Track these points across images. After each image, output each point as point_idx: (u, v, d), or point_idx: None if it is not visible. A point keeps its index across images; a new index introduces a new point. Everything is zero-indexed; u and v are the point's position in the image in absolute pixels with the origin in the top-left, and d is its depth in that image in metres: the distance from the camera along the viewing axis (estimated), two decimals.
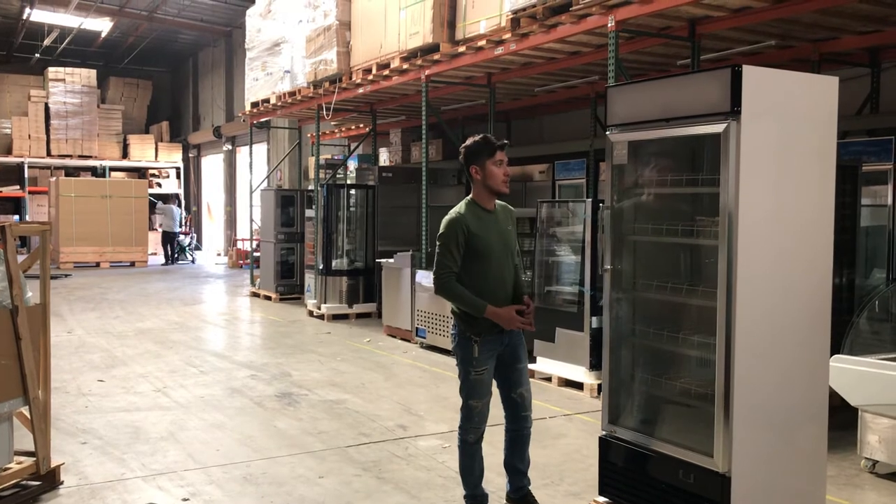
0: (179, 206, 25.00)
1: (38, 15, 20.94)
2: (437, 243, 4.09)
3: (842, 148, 4.09)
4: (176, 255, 22.12)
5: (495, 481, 4.53)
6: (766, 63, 7.30)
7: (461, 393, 4.15)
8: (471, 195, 4.18)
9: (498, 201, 4.25)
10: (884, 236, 7.06)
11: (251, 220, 15.56)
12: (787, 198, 3.70)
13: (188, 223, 25.11)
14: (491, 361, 4.12)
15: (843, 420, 5.14)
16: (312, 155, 13.72)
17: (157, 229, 22.97)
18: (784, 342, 3.72)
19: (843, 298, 6.45)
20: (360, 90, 10.81)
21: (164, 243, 21.88)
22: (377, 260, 11.11)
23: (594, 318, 7.05)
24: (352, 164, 14.42)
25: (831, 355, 4.03)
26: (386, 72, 9.89)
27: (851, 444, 5.13)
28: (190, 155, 27.40)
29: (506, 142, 4.14)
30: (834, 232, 3.92)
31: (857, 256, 6.82)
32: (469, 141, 4.15)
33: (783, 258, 3.71)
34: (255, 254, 15.77)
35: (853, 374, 4.90)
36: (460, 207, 4.13)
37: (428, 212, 9.73)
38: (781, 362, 3.71)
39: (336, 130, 16.34)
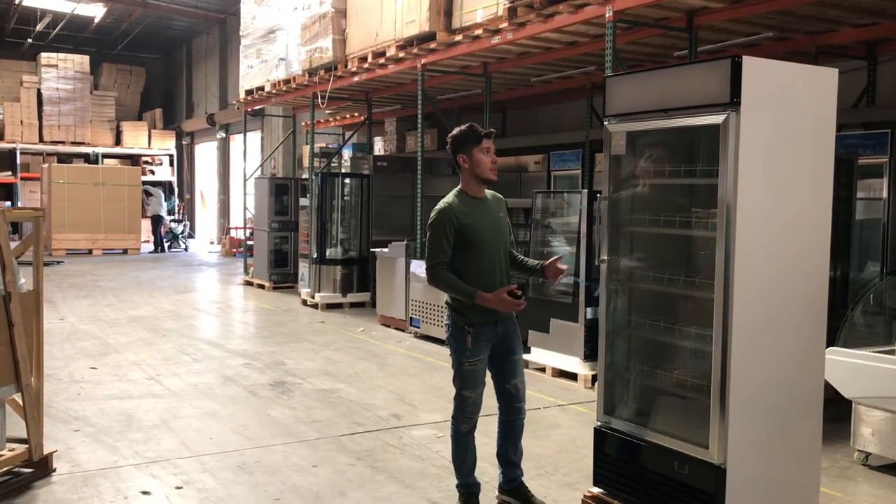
0: (170, 192, 24.87)
1: None
2: (428, 233, 4.10)
3: (838, 141, 4.07)
4: (168, 242, 22.02)
5: (489, 471, 4.53)
6: (763, 55, 7.28)
7: (455, 383, 4.16)
8: (459, 185, 4.18)
9: (489, 191, 4.25)
10: (878, 230, 7.07)
11: (245, 209, 15.50)
12: (784, 190, 3.69)
13: (181, 211, 24.97)
14: (484, 352, 4.12)
15: (836, 412, 5.14)
16: (307, 143, 13.66)
17: (149, 216, 22.91)
18: (780, 334, 3.71)
19: (837, 291, 6.45)
20: (356, 78, 10.77)
21: (153, 228, 21.78)
22: (371, 249, 11.09)
23: (589, 309, 7.07)
24: (346, 153, 14.37)
25: (826, 348, 4.03)
26: (381, 60, 9.86)
27: (845, 436, 5.14)
28: (183, 142, 27.26)
29: (492, 130, 4.17)
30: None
31: (851, 250, 6.84)
32: (455, 130, 4.15)
33: (780, 250, 3.69)
34: (249, 242, 15.72)
35: (847, 367, 4.91)
36: (449, 197, 4.13)
37: (423, 201, 9.70)
38: (778, 354, 3.71)
39: (331, 119, 16.29)
